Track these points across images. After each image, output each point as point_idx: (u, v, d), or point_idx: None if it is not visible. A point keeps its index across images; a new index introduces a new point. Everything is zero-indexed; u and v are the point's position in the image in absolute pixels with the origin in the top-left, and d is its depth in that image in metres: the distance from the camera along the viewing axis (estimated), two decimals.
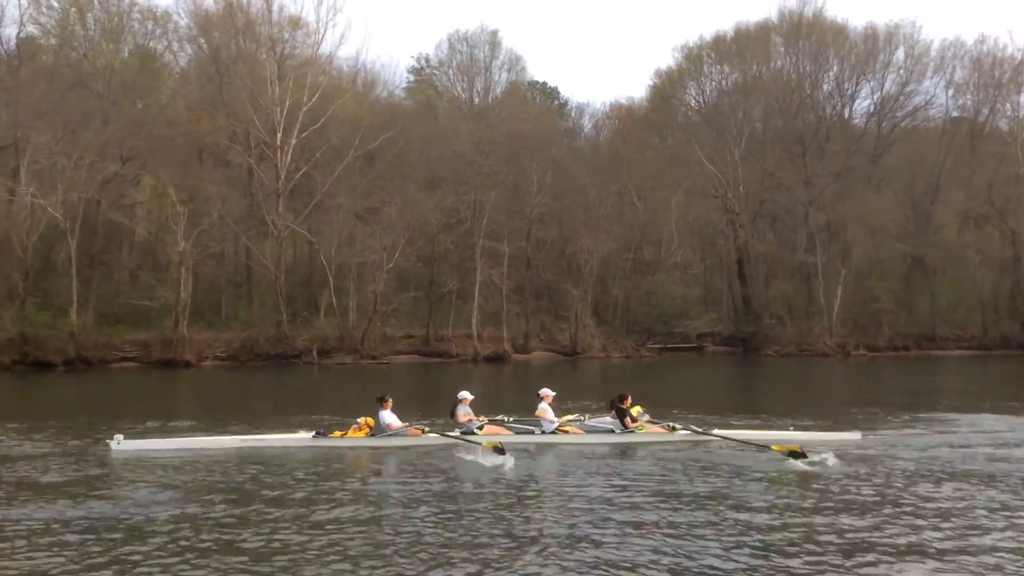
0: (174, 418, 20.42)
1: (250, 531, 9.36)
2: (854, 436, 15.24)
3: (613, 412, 15.90)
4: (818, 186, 58.80)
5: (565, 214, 56.01)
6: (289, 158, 52.30)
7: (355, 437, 14.95)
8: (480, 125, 55.92)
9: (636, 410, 15.81)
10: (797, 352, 52.92)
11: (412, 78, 74.61)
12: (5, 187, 45.98)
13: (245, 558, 8.41)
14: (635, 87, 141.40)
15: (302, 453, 14.18)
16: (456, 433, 15.13)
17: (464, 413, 15.60)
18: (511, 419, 16.10)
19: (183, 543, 8.89)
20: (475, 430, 15.20)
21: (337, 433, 15.16)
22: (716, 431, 15.25)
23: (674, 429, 15.44)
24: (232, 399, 30.38)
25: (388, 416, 15.28)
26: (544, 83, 79.21)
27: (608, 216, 54.65)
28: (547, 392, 16.00)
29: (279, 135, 52.20)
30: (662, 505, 10.45)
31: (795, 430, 15.93)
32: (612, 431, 15.65)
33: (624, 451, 14.63)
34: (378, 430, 15.21)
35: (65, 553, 8.63)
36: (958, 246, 58.61)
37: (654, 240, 57.33)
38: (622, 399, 15.81)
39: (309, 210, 52.39)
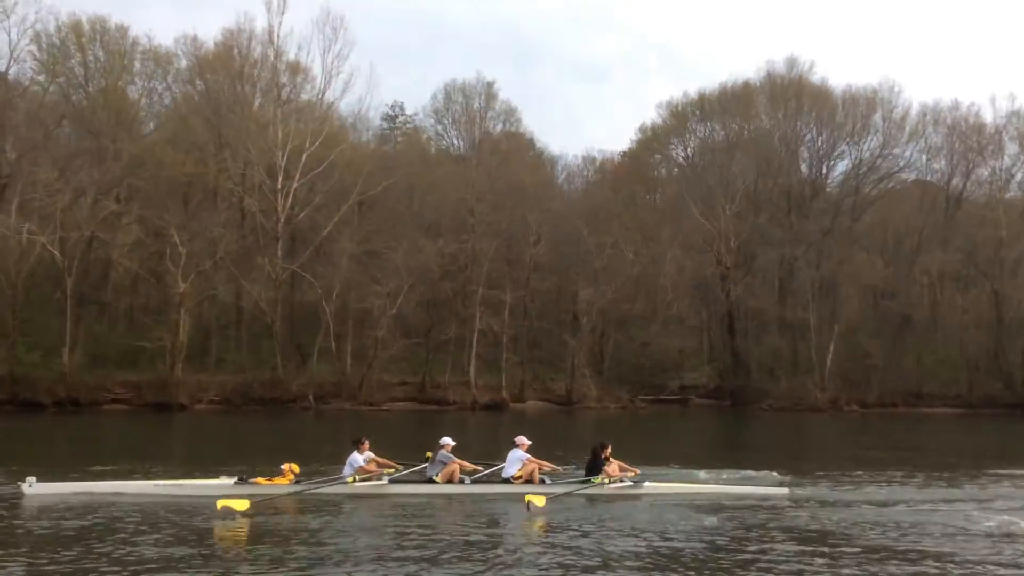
0: (135, 460, 19.93)
1: None
2: (781, 491, 15.62)
3: (590, 458, 15.89)
4: (804, 243, 60.08)
5: (562, 264, 56.39)
6: (290, 202, 52.09)
7: (279, 484, 14.61)
8: (480, 174, 56.29)
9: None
10: (790, 407, 53.51)
11: (386, 125, 75.19)
12: (4, 224, 44.89)
13: None
14: (611, 140, 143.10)
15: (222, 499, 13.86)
16: (385, 481, 15.15)
17: (443, 459, 15.48)
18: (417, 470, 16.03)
19: None
20: (434, 477, 15.25)
21: (261, 480, 14.83)
22: (647, 484, 15.57)
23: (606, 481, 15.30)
24: (219, 443, 29.61)
25: (358, 459, 15.18)
26: (519, 133, 79.68)
27: (605, 268, 55.15)
28: (523, 440, 15.95)
29: (280, 179, 52.02)
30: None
31: (724, 484, 16.60)
32: (544, 482, 15.52)
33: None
34: (349, 469, 15.12)
35: None
36: (942, 305, 60.07)
37: (648, 292, 57.91)
38: (603, 447, 15.85)
39: (308, 254, 52.05)
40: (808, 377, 56.17)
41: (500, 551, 10.76)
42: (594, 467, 15.61)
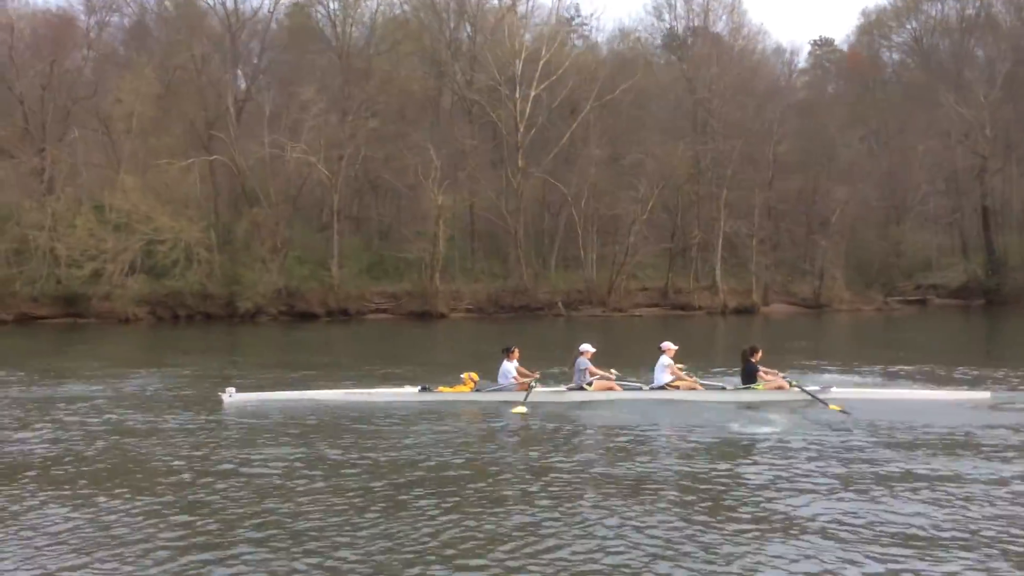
0: (391, 366, 20.78)
1: (333, 484, 8.95)
2: (983, 395, 14.14)
3: (743, 365, 14.72)
4: None
5: (803, 162, 54.13)
6: (528, 110, 52.09)
7: (460, 391, 15.11)
8: (712, 71, 54.27)
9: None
10: None
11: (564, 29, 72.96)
12: (276, 144, 47.10)
13: (330, 511, 7.93)
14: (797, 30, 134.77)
15: (408, 407, 14.29)
16: (563, 388, 14.84)
17: (583, 366, 14.90)
18: (617, 375, 15.22)
19: (271, 493, 8.59)
20: (584, 385, 14.75)
21: (443, 388, 15.29)
22: (834, 389, 14.26)
23: (791, 386, 14.21)
24: (478, 346, 29.82)
25: (510, 368, 15.13)
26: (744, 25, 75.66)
27: (855, 164, 52.56)
28: (668, 346, 15.01)
29: (518, 88, 51.98)
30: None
31: (918, 387, 15.32)
32: (723, 388, 14.79)
33: (730, 408, 13.54)
34: (504, 379, 15.12)
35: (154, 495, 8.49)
36: None
37: (899, 188, 54.91)
38: (752, 352, 14.64)
39: (549, 161, 52.10)
40: None
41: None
42: (748, 374, 14.61)
